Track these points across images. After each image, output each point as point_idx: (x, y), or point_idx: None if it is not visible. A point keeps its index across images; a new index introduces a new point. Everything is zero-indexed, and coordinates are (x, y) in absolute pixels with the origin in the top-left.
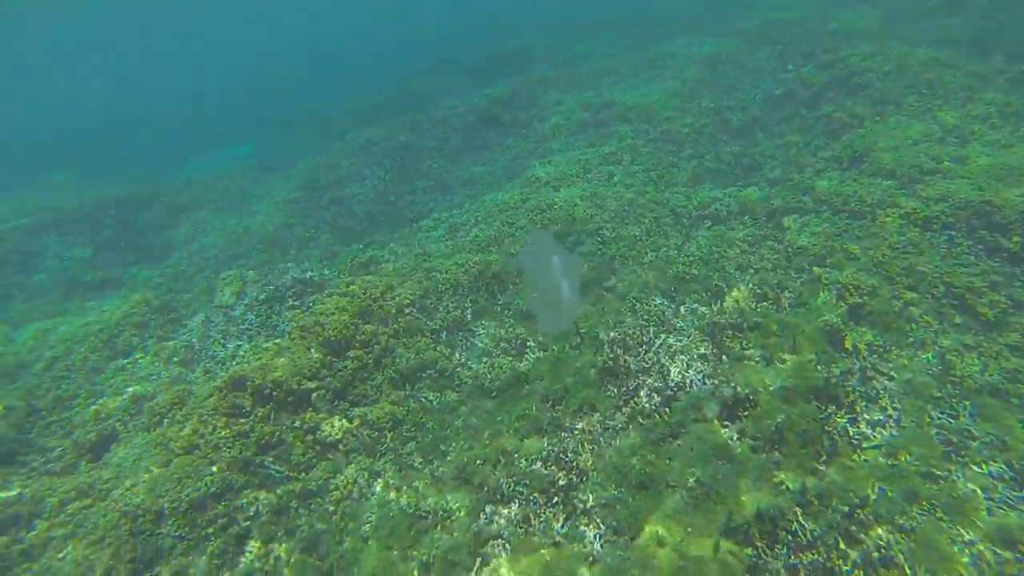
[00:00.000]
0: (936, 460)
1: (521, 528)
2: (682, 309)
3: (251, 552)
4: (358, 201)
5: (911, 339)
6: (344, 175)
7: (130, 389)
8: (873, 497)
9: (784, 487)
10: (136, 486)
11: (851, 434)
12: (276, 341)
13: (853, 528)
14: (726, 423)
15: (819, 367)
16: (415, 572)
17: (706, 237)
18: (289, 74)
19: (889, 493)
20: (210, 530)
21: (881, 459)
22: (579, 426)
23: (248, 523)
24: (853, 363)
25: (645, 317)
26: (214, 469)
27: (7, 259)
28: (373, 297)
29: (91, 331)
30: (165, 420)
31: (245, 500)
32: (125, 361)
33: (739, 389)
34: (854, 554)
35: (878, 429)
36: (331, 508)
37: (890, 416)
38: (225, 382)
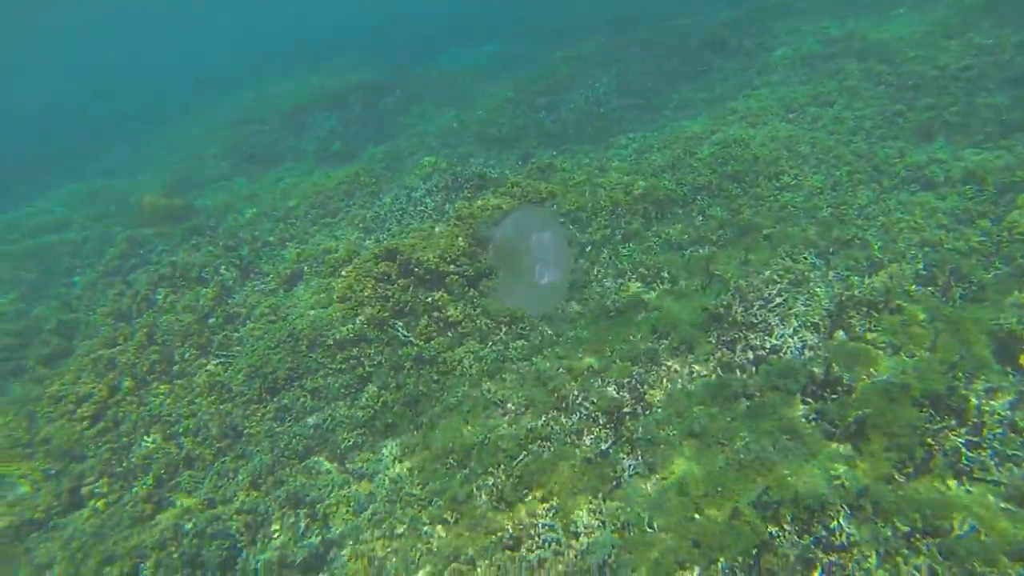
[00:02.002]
0: None
1: (571, 438)
2: (831, 274)
3: (368, 392)
4: (569, 110)
5: None
6: (561, 83)
7: (323, 243)
8: (957, 533)
9: (840, 483)
10: (303, 317)
11: (964, 460)
12: (434, 225)
13: (904, 551)
14: (807, 399)
15: (956, 373)
16: (475, 445)
17: (901, 202)
18: None
19: (982, 536)
20: (343, 365)
21: (991, 498)
22: (670, 362)
23: (372, 369)
24: (1020, 383)
25: (782, 271)
26: (358, 320)
27: (287, 128)
28: (531, 201)
29: (316, 191)
30: (335, 272)
31: (374, 350)
32: (330, 220)
33: (835, 369)
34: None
35: (1010, 467)
36: (435, 377)
37: None
38: (380, 252)
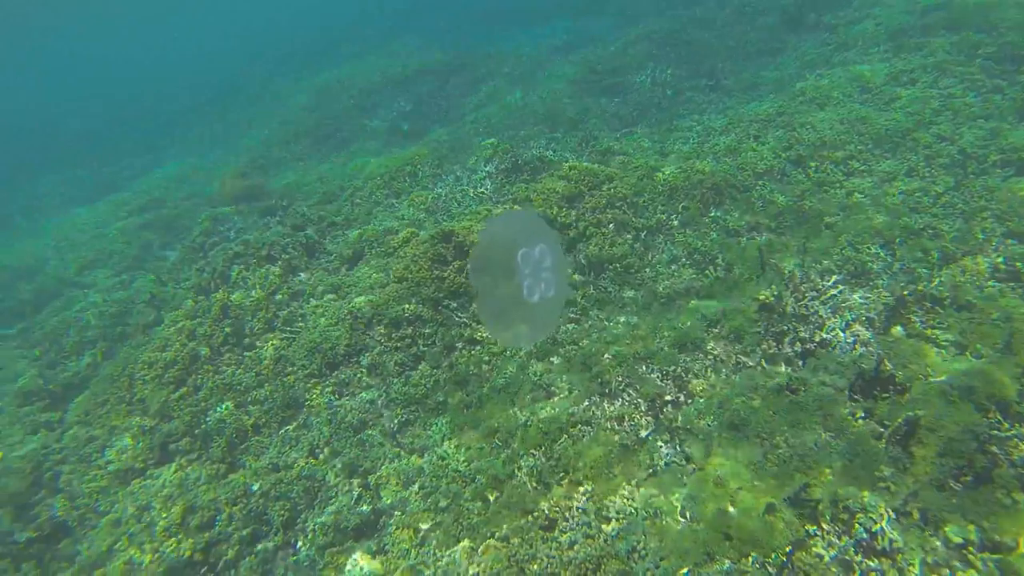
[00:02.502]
0: None
1: (611, 424)
2: (896, 266)
3: (421, 371)
4: (634, 91)
5: None
6: (628, 64)
7: (385, 224)
8: (1022, 552)
9: (886, 486)
10: (362, 296)
11: None
12: (492, 208)
13: (955, 563)
14: (855, 396)
15: None
16: (519, 427)
17: (987, 188)
18: None
19: None
20: (399, 344)
21: None
22: (716, 352)
23: (425, 348)
24: None
25: (841, 262)
26: (414, 300)
27: (359, 107)
28: (589, 184)
29: (381, 173)
30: (394, 253)
31: (428, 330)
32: (394, 201)
33: (887, 366)
34: None
35: None
36: (486, 358)
37: None
38: (437, 234)
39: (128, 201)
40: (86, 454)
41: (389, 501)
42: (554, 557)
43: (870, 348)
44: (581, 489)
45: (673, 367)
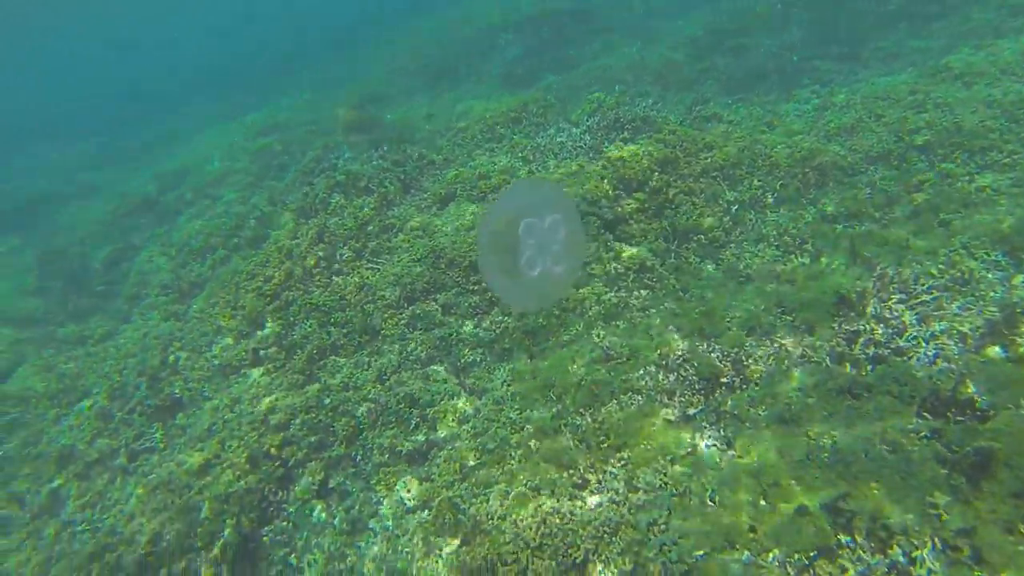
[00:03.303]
0: None
1: (661, 396)
2: (1020, 278)
3: (493, 316)
4: (757, 54)
5: None
6: (755, 24)
7: (480, 168)
8: None
9: (938, 514)
10: (447, 236)
11: None
12: (585, 164)
13: None
14: (924, 415)
15: None
16: (573, 385)
17: None
18: None
19: None
20: (475, 287)
21: None
22: (786, 341)
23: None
24: None
25: (947, 265)
26: None
27: (475, 49)
28: (686, 151)
29: (486, 116)
30: (484, 198)
31: None
32: (494, 146)
33: (967, 388)
34: None
35: None
36: (556, 312)
37: None
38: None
39: (257, 123)
40: (199, 346)
41: (443, 435)
42: (576, 514)
43: (953, 365)
44: (619, 455)
45: (736, 349)
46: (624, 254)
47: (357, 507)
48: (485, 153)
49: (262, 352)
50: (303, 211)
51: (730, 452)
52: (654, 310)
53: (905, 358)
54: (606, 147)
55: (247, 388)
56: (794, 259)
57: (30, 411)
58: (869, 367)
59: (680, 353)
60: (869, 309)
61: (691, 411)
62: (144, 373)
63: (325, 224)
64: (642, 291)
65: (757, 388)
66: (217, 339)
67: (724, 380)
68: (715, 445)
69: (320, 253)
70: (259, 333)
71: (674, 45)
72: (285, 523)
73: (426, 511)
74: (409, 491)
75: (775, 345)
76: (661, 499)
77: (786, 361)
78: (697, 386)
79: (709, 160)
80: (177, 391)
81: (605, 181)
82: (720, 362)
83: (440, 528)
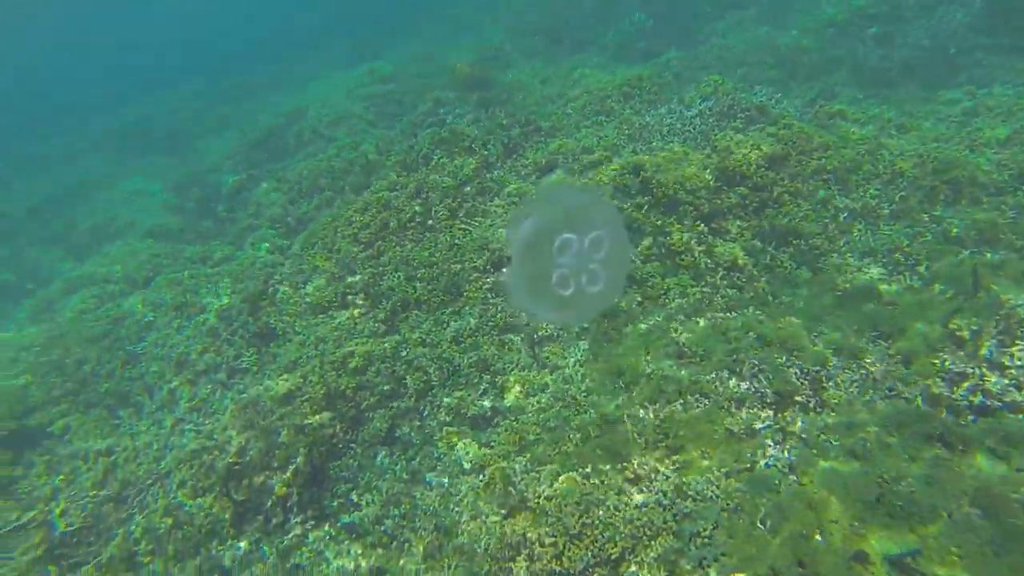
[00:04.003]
0: None
1: (728, 404)
2: None
3: None
4: (905, 44)
5: None
6: (909, 8)
7: (584, 141)
8: None
9: None
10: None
11: None
12: (690, 150)
13: None
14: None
15: None
16: (642, 376)
17: None
18: None
19: None
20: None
21: None
22: (874, 369)
23: None
24: None
25: None
26: None
27: (600, 16)
28: (799, 149)
29: (599, 88)
30: (582, 172)
31: None
32: (602, 119)
33: None
34: None
35: None
36: (639, 299)
37: None
38: (627, 164)
39: (377, 71)
40: (295, 282)
41: (508, 404)
42: (620, 509)
43: None
44: (674, 458)
45: (817, 368)
46: (716, 249)
47: (418, 459)
48: (592, 126)
49: (349, 297)
50: (405, 164)
51: (792, 477)
52: (738, 312)
53: (1021, 416)
54: (715, 135)
55: (332, 329)
56: (902, 280)
57: (161, 317)
58: (971, 417)
59: (757, 363)
60: (983, 351)
61: (758, 425)
62: (248, 300)
63: (425, 179)
64: (729, 290)
65: (833, 415)
66: (312, 278)
67: (799, 399)
68: (776, 466)
69: (416, 208)
70: (349, 279)
71: (809, 28)
72: (351, 461)
73: (480, 476)
74: (468, 454)
75: (862, 371)
76: (710, 512)
77: (871, 391)
78: (768, 400)
79: (823, 161)
80: (272, 321)
81: (708, 171)
82: (797, 379)
83: (490, 496)
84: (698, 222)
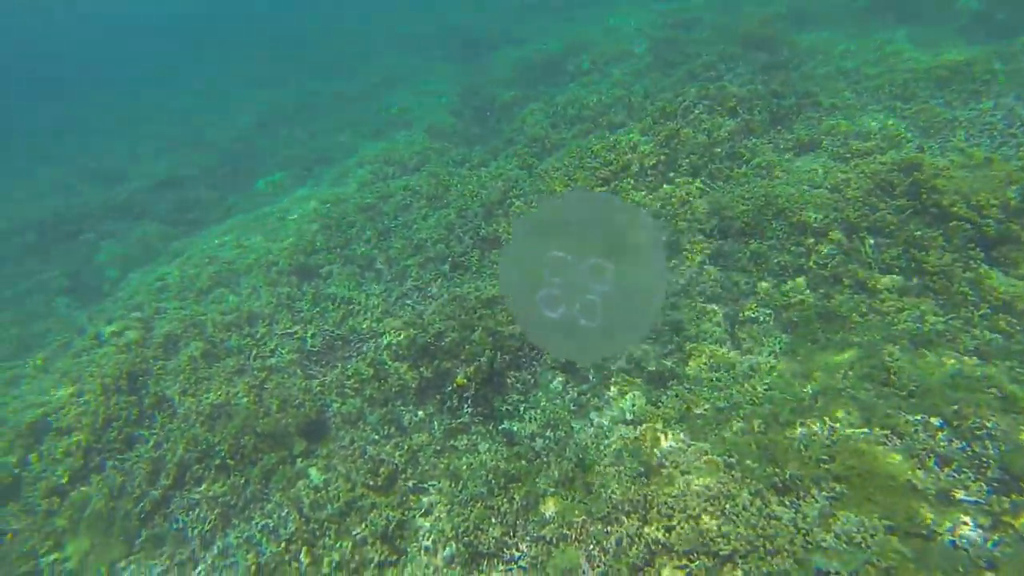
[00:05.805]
0: None
1: (924, 455)
2: None
3: (796, 283)
4: None
5: None
6: None
7: (865, 125)
8: None
9: None
10: (785, 186)
11: None
12: (995, 156)
13: None
14: None
15: None
16: (830, 386)
17: None
18: None
19: None
20: (792, 248)
21: None
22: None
23: (814, 265)
24: None
25: None
26: (831, 215)
27: None
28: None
29: (912, 68)
30: (840, 158)
31: (827, 250)
32: (900, 105)
33: None
34: None
35: None
36: (863, 310)
37: None
38: (902, 160)
39: (671, 13)
40: (529, 200)
41: (689, 372)
42: (752, 513)
43: None
44: (834, 485)
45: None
46: (989, 281)
47: (588, 396)
48: (884, 110)
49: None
50: (664, 112)
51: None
52: (989, 362)
53: None
54: None
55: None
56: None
57: (415, 203)
58: None
59: (990, 427)
60: None
61: (959, 495)
62: (485, 205)
63: (678, 131)
64: (989, 333)
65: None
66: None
67: None
68: (967, 551)
69: (662, 156)
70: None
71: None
72: (529, 376)
73: (635, 430)
74: (633, 406)
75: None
76: (851, 557)
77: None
78: (990, 475)
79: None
80: (500, 231)
81: (1013, 188)
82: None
83: (635, 452)
84: (974, 245)
